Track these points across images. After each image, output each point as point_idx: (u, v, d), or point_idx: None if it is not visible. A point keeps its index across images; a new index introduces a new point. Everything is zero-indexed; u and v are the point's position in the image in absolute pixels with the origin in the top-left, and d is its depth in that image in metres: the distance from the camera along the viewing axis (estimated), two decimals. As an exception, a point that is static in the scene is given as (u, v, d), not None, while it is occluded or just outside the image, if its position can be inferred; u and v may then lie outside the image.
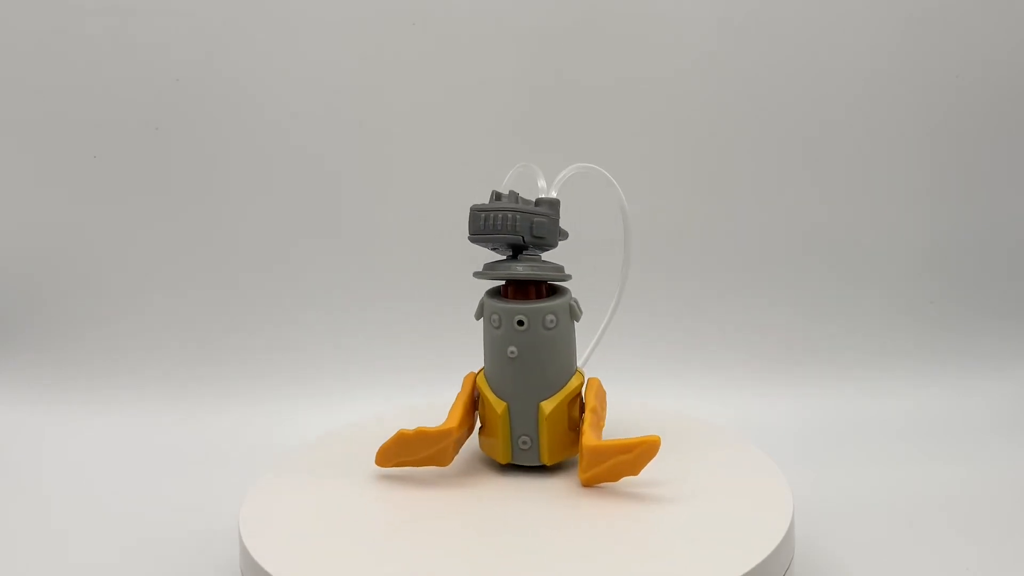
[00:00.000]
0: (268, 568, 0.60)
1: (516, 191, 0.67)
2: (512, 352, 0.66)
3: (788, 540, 0.63)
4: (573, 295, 0.67)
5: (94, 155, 0.96)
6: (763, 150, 0.98)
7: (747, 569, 0.58)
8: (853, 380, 0.96)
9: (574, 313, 0.67)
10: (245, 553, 0.63)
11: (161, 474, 0.87)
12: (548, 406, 0.66)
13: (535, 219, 0.65)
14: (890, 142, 0.98)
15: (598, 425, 0.66)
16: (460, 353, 0.98)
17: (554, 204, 0.67)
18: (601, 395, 0.68)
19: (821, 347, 0.97)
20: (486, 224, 0.65)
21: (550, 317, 0.65)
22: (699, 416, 0.78)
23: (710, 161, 0.98)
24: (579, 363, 0.70)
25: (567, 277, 0.67)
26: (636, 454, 0.63)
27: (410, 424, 0.77)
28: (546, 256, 0.68)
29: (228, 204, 0.97)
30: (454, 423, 0.68)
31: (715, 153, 0.98)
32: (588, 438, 0.65)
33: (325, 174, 0.97)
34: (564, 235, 0.68)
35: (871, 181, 0.98)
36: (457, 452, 0.70)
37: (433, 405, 0.82)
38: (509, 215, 0.65)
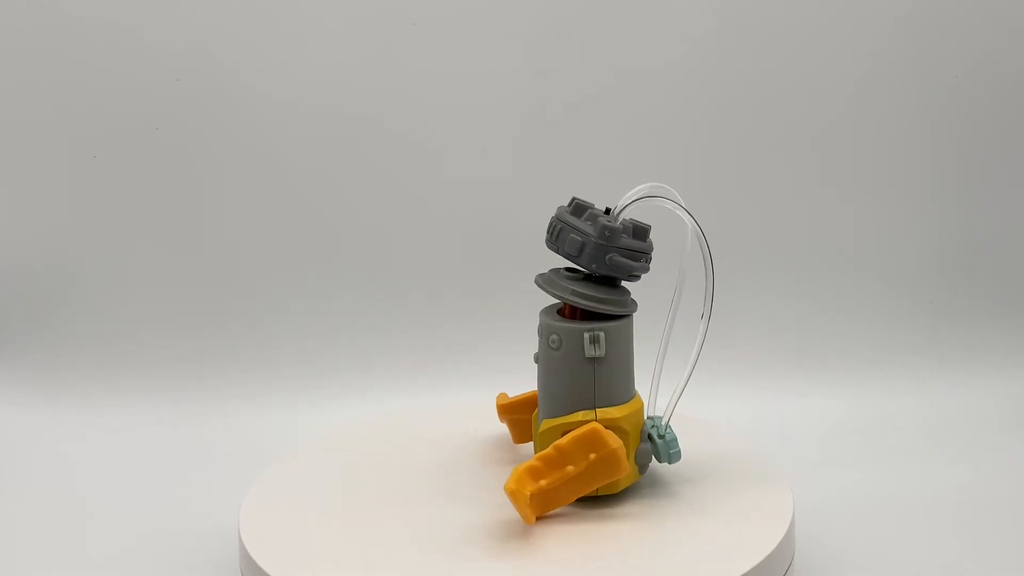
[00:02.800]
0: (267, 568, 0.60)
1: (588, 205, 0.64)
2: (535, 357, 0.66)
3: (788, 540, 0.63)
4: (604, 331, 0.63)
5: (94, 155, 0.96)
6: (766, 150, 0.97)
7: (747, 569, 0.58)
8: (854, 380, 0.96)
9: (584, 346, 0.64)
10: (245, 553, 0.63)
11: (161, 473, 0.86)
12: (544, 425, 0.65)
13: (570, 235, 0.63)
14: (893, 143, 0.98)
15: (556, 464, 0.62)
16: (462, 354, 0.98)
17: (601, 229, 0.63)
18: (583, 441, 0.62)
19: (822, 347, 0.97)
20: (548, 227, 0.65)
21: (554, 337, 0.64)
22: (699, 416, 0.78)
23: (713, 161, 0.97)
24: (665, 417, 0.67)
25: (599, 308, 0.63)
26: (512, 500, 0.61)
27: (410, 424, 0.77)
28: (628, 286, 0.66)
29: (228, 204, 0.97)
30: (503, 402, 0.70)
31: (718, 153, 0.98)
32: (517, 468, 0.62)
33: (326, 173, 0.97)
34: (628, 268, 0.63)
35: (874, 181, 0.98)
36: (525, 438, 0.71)
37: (433, 406, 0.82)
38: (555, 223, 0.64)
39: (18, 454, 0.90)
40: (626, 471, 0.63)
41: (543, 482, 0.63)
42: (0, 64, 0.95)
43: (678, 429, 0.74)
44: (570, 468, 0.63)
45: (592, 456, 0.62)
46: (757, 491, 0.67)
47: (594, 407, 0.64)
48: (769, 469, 0.69)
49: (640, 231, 0.64)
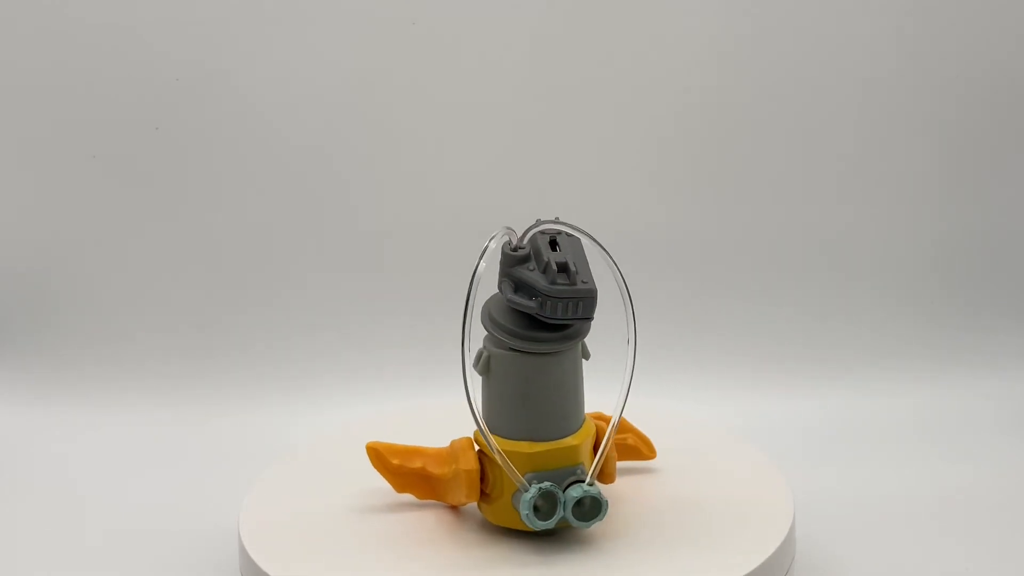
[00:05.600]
0: (266, 569, 0.60)
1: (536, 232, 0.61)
2: None
3: (789, 541, 0.63)
4: (490, 355, 0.62)
5: (93, 155, 0.96)
6: (764, 149, 0.97)
7: (749, 570, 0.58)
8: (854, 380, 0.96)
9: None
10: (244, 553, 0.63)
11: (161, 474, 0.86)
12: None
13: None
14: (893, 141, 0.98)
15: (448, 459, 0.63)
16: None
17: (503, 251, 0.60)
18: (453, 448, 0.63)
19: (822, 347, 0.97)
20: None
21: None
22: (699, 417, 0.78)
23: (711, 160, 0.97)
24: (589, 476, 0.62)
25: (486, 327, 0.62)
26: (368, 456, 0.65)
27: (411, 424, 0.77)
28: None
29: (228, 204, 0.97)
30: None
31: (715, 152, 0.97)
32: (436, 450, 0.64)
33: (327, 174, 0.97)
34: (507, 297, 0.60)
35: (874, 180, 0.98)
36: None
37: (433, 406, 0.82)
38: None
39: (17, 454, 0.90)
40: (468, 499, 0.62)
41: (437, 471, 0.64)
42: (-1, 64, 0.95)
43: (678, 429, 0.74)
44: (446, 470, 0.63)
45: (451, 467, 0.63)
46: (757, 491, 0.67)
47: (482, 426, 0.61)
48: (769, 469, 0.69)
49: (550, 269, 0.59)
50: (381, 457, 0.65)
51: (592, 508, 0.60)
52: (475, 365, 0.62)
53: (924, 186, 0.98)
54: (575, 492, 0.59)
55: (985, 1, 0.95)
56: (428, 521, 0.64)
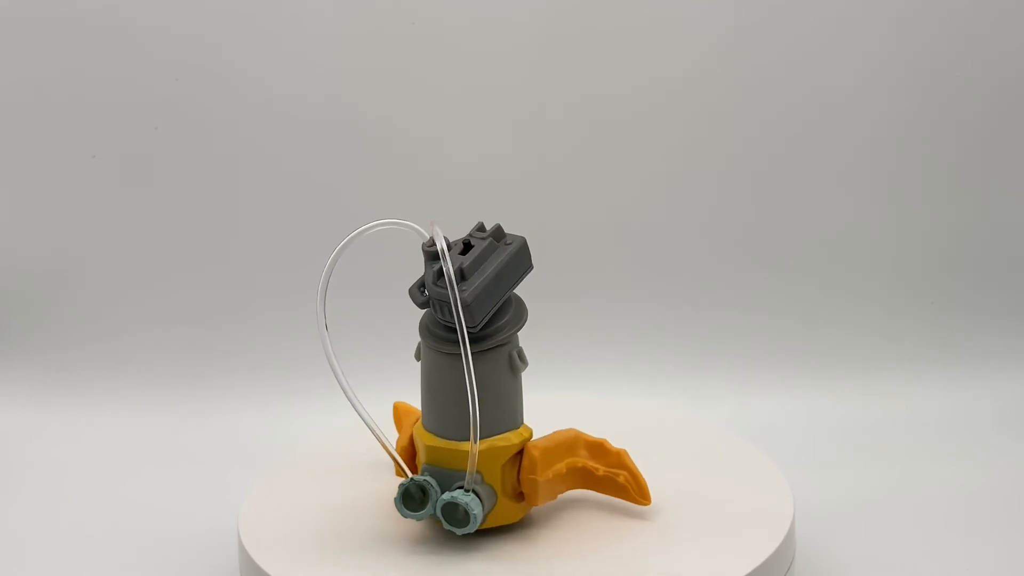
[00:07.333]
0: (266, 568, 0.60)
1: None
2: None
3: (789, 541, 0.63)
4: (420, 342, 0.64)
5: (92, 155, 0.96)
6: (761, 148, 0.97)
7: (749, 570, 0.58)
8: (854, 380, 0.96)
9: None
10: (244, 553, 0.63)
11: (160, 474, 0.86)
12: None
13: None
14: (890, 141, 0.98)
15: None
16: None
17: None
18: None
19: (821, 347, 0.97)
20: None
21: None
22: (699, 416, 0.78)
23: (708, 159, 0.97)
24: (466, 484, 0.60)
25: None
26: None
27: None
28: None
29: (228, 204, 0.97)
30: None
31: (712, 151, 0.97)
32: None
33: (326, 173, 0.97)
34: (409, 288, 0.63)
35: (871, 180, 0.98)
36: None
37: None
38: None
39: (17, 455, 0.90)
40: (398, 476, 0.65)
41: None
42: (-1, 63, 0.95)
43: (677, 428, 0.73)
44: None
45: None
46: (756, 491, 0.67)
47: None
48: (768, 469, 0.69)
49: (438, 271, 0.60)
50: (399, 416, 0.70)
51: (464, 518, 0.60)
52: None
53: (924, 186, 0.98)
54: (446, 496, 0.60)
55: (984, 1, 0.96)
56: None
